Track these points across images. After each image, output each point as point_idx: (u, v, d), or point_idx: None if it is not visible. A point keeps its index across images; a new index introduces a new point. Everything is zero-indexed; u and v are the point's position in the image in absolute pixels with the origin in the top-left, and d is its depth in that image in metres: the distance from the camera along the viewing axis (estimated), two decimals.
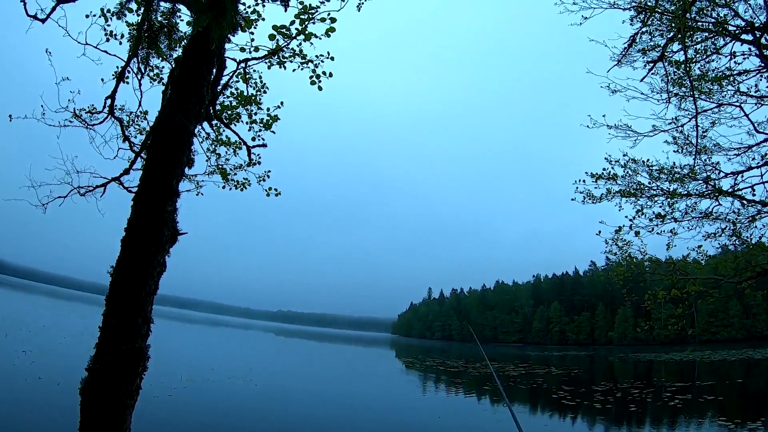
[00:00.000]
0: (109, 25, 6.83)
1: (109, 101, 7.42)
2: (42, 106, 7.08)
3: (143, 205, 4.70)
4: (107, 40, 6.91)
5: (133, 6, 6.61)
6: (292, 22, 6.48)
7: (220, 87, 6.77)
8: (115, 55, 7.03)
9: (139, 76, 7.28)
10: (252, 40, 7.00)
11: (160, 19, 6.84)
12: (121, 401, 4.33)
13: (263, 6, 6.76)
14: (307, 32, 6.53)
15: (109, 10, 6.71)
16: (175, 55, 7.08)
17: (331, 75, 7.13)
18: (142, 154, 7.45)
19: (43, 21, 6.06)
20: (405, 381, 28.70)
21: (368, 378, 29.29)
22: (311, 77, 7.07)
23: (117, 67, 7.21)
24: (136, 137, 7.97)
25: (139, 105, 7.66)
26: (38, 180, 7.07)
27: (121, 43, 7.00)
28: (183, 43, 6.93)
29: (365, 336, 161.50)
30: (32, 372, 14.87)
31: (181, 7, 6.58)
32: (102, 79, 7.31)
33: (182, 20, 6.84)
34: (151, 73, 7.64)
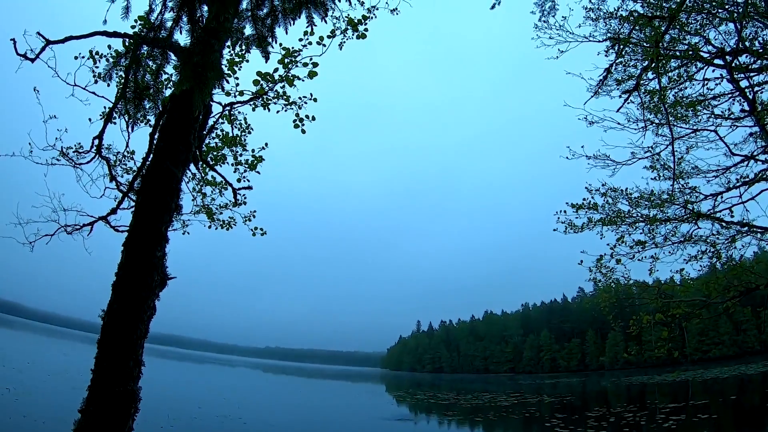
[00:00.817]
0: (97, 67, 6.95)
1: (96, 141, 7.47)
2: (30, 143, 7.14)
3: (133, 251, 4.76)
4: (95, 81, 7.01)
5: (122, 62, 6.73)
6: (276, 69, 6.67)
7: (206, 130, 6.88)
8: (103, 97, 7.12)
9: (126, 118, 7.35)
10: (237, 84, 7.16)
11: (149, 78, 6.94)
12: None
13: (248, 53, 6.93)
14: (289, 76, 6.71)
15: (98, 53, 6.83)
16: (163, 96, 7.18)
17: (314, 119, 7.30)
18: (130, 195, 7.50)
19: (32, 60, 6.16)
20: (396, 415, 28.33)
21: (359, 413, 28.91)
22: (295, 121, 7.24)
23: (104, 107, 7.30)
24: (122, 176, 8.03)
25: (127, 145, 7.72)
26: (25, 217, 7.11)
27: (108, 84, 7.10)
28: (170, 85, 7.03)
29: (355, 371, 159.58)
30: (17, 410, 14.53)
31: (169, 58, 6.70)
32: (90, 119, 7.39)
33: (169, 64, 6.97)
34: (138, 115, 7.74)
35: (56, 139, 7.33)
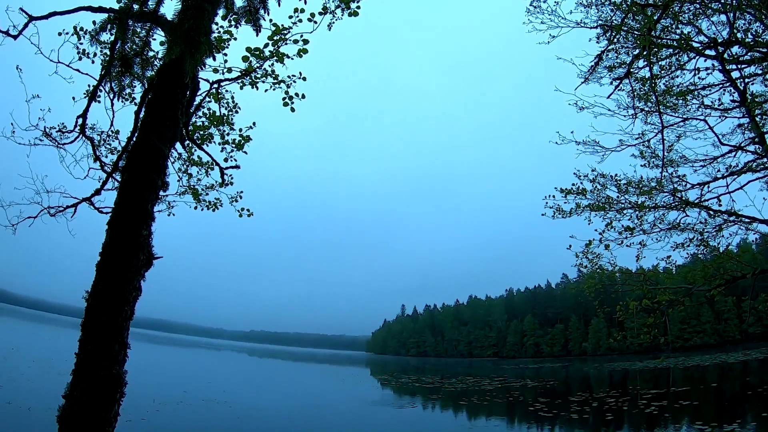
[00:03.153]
0: (81, 44, 6.76)
1: (80, 120, 7.30)
2: (12, 123, 6.97)
3: (118, 229, 4.64)
4: (80, 58, 6.83)
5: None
6: (266, 45, 6.54)
7: (192, 108, 6.75)
8: (87, 74, 6.93)
9: (111, 96, 7.17)
10: (225, 61, 7.03)
11: (137, 44, 6.76)
12: (101, 428, 4.26)
13: (237, 27, 6.79)
14: (279, 53, 6.59)
15: (82, 28, 6.62)
16: (148, 74, 7.02)
17: (303, 96, 7.19)
18: (114, 175, 7.35)
19: (15, 38, 5.97)
20: (381, 399, 28.51)
21: (344, 396, 29.04)
22: (284, 99, 7.13)
23: (89, 85, 7.10)
24: (107, 157, 7.86)
25: (111, 124, 7.56)
26: (7, 200, 6.95)
27: (93, 62, 6.93)
28: (156, 62, 6.88)
29: (340, 354, 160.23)
30: (1, 397, 14.43)
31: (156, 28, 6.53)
32: (73, 98, 7.21)
33: (155, 40, 6.79)
34: (124, 93, 7.58)
35: (39, 119, 7.14)
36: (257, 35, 6.40)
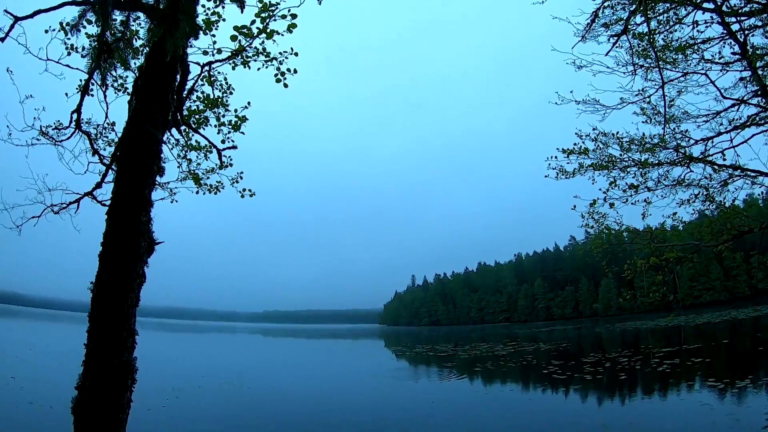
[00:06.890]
0: (69, 39, 6.70)
1: (75, 115, 7.28)
2: (8, 126, 6.95)
3: (118, 217, 4.66)
4: (68, 53, 6.79)
5: (91, 17, 6.45)
6: (253, 22, 6.45)
7: (185, 92, 6.70)
8: (77, 69, 6.89)
9: (103, 88, 7.15)
10: (214, 42, 6.95)
11: (119, 28, 6.70)
12: (114, 416, 4.32)
13: (222, 7, 6.69)
14: (268, 30, 6.50)
15: (68, 24, 6.56)
16: (137, 64, 6.97)
17: (296, 71, 7.12)
18: (113, 167, 7.34)
19: (2, 40, 5.93)
20: (396, 370, 28.76)
21: (360, 370, 29.31)
22: (276, 75, 7.06)
23: (80, 80, 7.07)
24: (105, 149, 7.87)
25: (106, 117, 7.55)
26: (10, 202, 6.98)
27: (83, 56, 6.88)
28: (144, 51, 6.83)
29: (354, 328, 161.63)
30: (23, 397, 14.65)
31: (141, 14, 6.47)
32: (66, 94, 7.17)
33: (142, 28, 6.73)
34: (116, 84, 7.54)
35: (34, 118, 7.17)
36: (242, 12, 6.34)
